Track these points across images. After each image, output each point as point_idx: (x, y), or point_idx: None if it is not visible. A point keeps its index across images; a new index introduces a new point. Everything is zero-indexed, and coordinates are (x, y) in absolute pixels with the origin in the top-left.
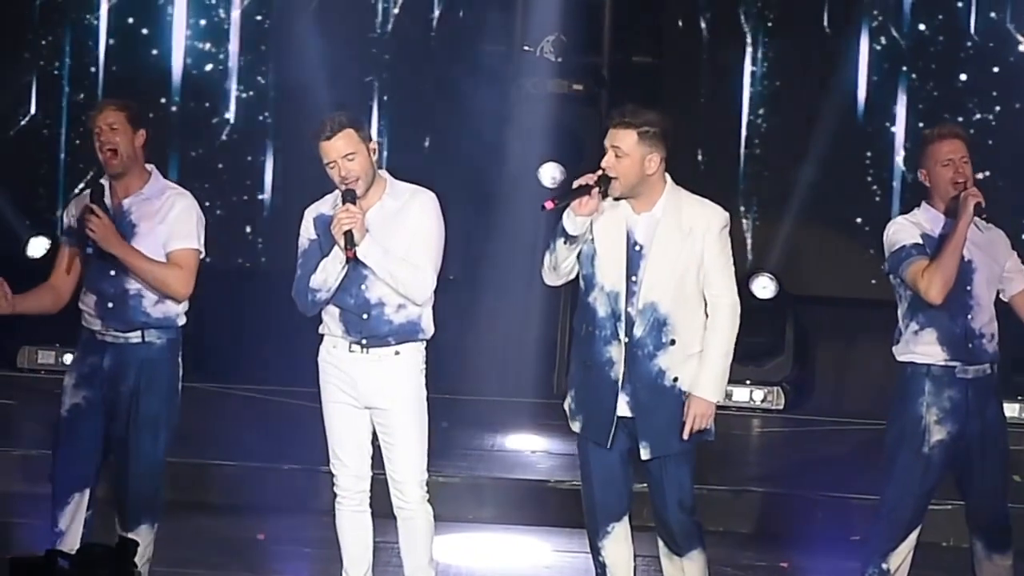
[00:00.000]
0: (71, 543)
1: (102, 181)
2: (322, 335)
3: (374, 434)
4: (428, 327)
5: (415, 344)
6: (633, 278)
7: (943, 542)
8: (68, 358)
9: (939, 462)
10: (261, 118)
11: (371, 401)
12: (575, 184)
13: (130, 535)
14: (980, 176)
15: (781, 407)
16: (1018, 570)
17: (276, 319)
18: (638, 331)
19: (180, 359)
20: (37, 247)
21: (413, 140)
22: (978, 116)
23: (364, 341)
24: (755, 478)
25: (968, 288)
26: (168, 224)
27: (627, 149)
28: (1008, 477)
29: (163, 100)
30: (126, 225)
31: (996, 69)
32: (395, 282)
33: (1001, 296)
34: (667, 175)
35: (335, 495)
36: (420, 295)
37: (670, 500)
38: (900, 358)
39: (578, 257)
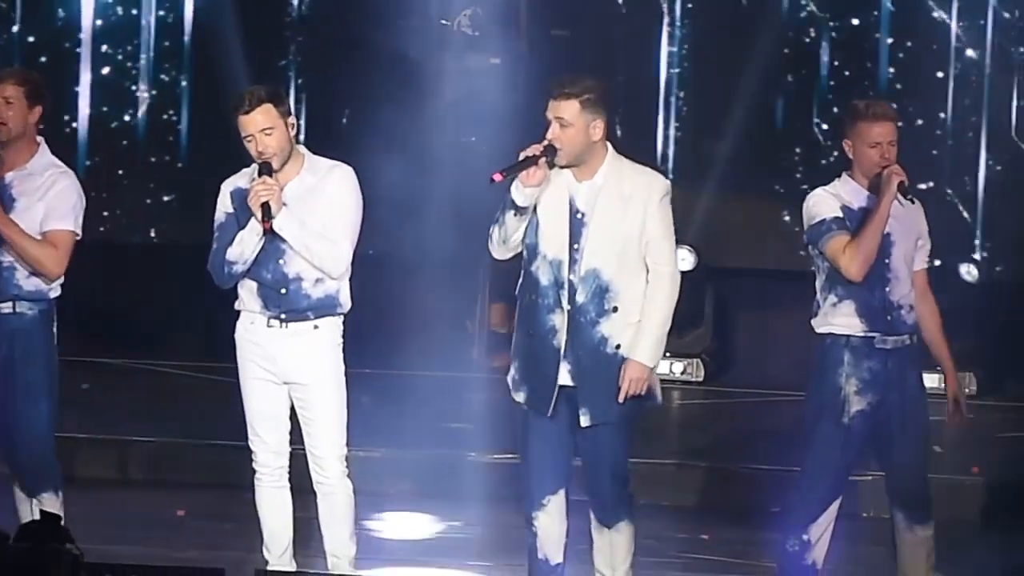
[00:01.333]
0: None
1: None
2: (239, 311)
3: (292, 410)
4: (346, 301)
5: (333, 319)
6: (575, 246)
7: (863, 513)
8: None
9: (859, 432)
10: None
11: (290, 376)
12: (521, 155)
13: (35, 502)
14: (923, 187)
15: (701, 379)
16: (938, 540)
17: (194, 294)
18: (580, 298)
19: (55, 330)
20: None
21: (333, 116)
22: (900, 87)
23: (283, 316)
24: (674, 451)
25: (886, 261)
26: (47, 202)
27: (571, 118)
28: (928, 449)
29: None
30: (6, 199)
31: (910, 43)
32: (311, 255)
33: None
34: (608, 143)
35: (254, 471)
36: (335, 269)
37: (604, 469)
38: (819, 330)
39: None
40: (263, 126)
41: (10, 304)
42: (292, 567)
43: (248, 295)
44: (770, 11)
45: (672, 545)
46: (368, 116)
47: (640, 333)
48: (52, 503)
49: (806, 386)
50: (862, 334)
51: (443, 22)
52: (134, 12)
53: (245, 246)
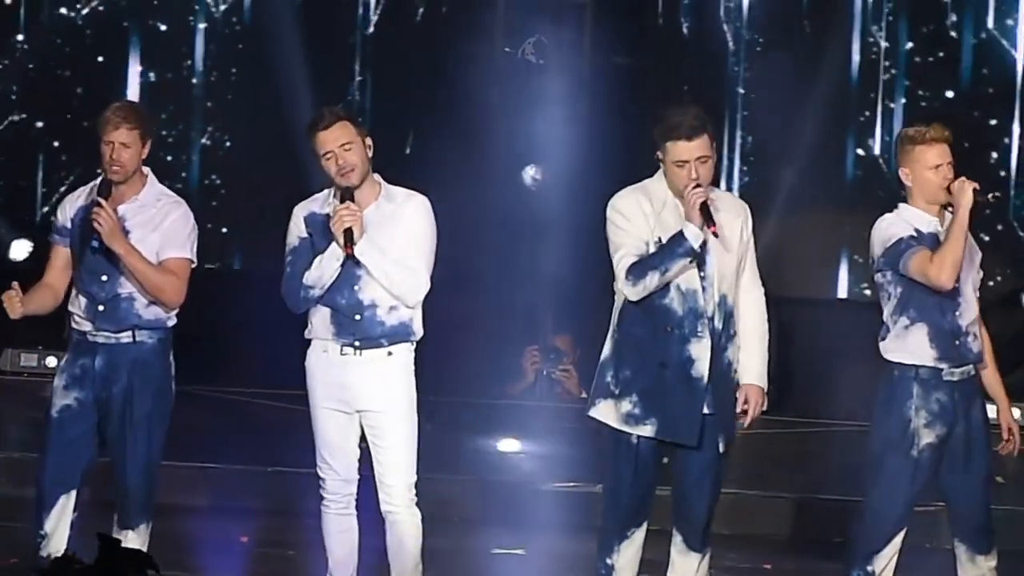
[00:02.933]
0: (56, 546)
1: (109, 178)
2: (309, 339)
3: (362, 437)
4: (418, 329)
5: (406, 345)
6: (702, 273)
7: (925, 544)
8: (51, 360)
9: (927, 465)
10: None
11: (362, 404)
12: (697, 204)
13: (129, 534)
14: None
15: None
16: (1001, 571)
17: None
18: (717, 324)
19: (172, 359)
20: (19, 250)
21: (396, 143)
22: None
23: (357, 343)
24: (736, 480)
25: (956, 285)
26: (162, 232)
27: (709, 152)
28: (992, 479)
29: None
30: (121, 231)
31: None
32: (390, 283)
33: None
34: None
35: (322, 498)
36: (413, 297)
37: (709, 492)
38: (888, 356)
39: None
40: (342, 141)
41: (130, 334)
42: None
43: (321, 322)
44: (834, 38)
45: (735, 575)
46: (431, 142)
47: (752, 356)
48: (142, 536)
49: (872, 416)
50: (932, 364)
51: (507, 50)
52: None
53: (324, 270)
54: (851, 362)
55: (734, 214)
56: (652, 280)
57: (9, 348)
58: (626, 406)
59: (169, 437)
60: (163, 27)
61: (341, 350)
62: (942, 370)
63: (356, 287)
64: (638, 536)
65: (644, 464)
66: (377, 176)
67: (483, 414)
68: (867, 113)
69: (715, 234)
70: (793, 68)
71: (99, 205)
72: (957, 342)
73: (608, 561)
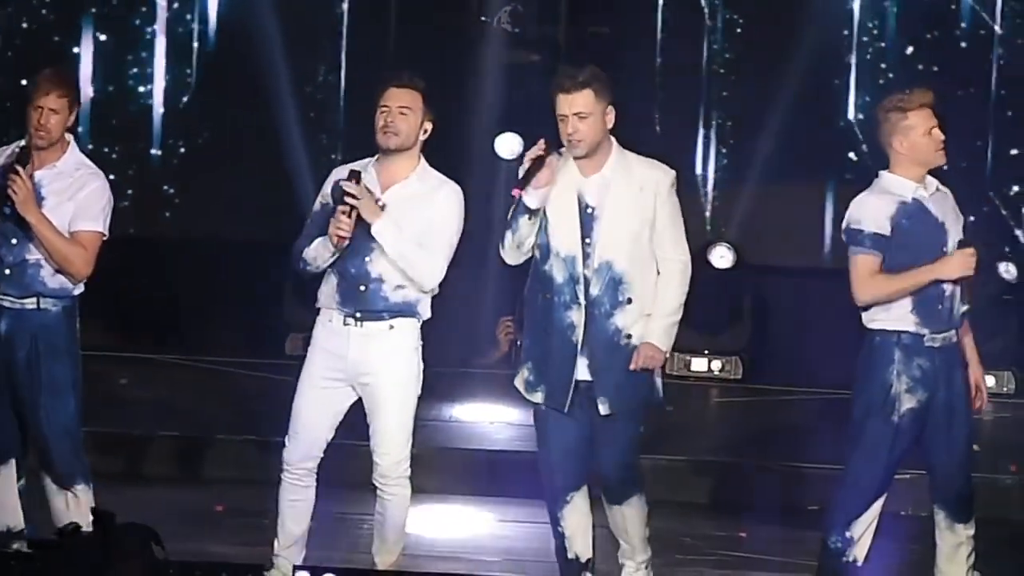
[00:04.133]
0: (11, 519)
1: (27, 144)
2: (318, 308)
3: (341, 419)
4: (424, 311)
5: (411, 320)
6: (587, 240)
7: (902, 511)
8: None
9: (907, 430)
10: None
11: (360, 376)
12: (526, 160)
13: (68, 495)
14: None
15: (739, 377)
16: (978, 538)
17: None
18: (595, 291)
19: (78, 325)
20: None
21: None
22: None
23: (358, 314)
24: (713, 448)
25: (944, 250)
26: (76, 203)
27: (588, 108)
28: (971, 447)
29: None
30: (36, 197)
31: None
32: (405, 263)
33: None
34: (612, 137)
35: (282, 465)
36: (429, 281)
37: (616, 456)
38: (870, 324)
39: None
40: (404, 104)
41: (34, 300)
42: (298, 560)
43: (328, 290)
44: (812, 3)
45: (709, 542)
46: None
47: (652, 319)
48: (85, 495)
49: (853, 383)
50: (914, 330)
51: (482, 19)
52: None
53: (319, 254)
54: (833, 331)
55: (638, 183)
56: (506, 240)
57: None
58: (524, 373)
59: (148, 407)
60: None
61: (344, 321)
62: (923, 336)
63: (367, 258)
64: (578, 500)
65: (558, 430)
66: (419, 157)
67: (456, 382)
68: (842, 80)
69: (513, 195)
70: (772, 38)
71: (16, 172)
72: (940, 306)
73: (559, 529)
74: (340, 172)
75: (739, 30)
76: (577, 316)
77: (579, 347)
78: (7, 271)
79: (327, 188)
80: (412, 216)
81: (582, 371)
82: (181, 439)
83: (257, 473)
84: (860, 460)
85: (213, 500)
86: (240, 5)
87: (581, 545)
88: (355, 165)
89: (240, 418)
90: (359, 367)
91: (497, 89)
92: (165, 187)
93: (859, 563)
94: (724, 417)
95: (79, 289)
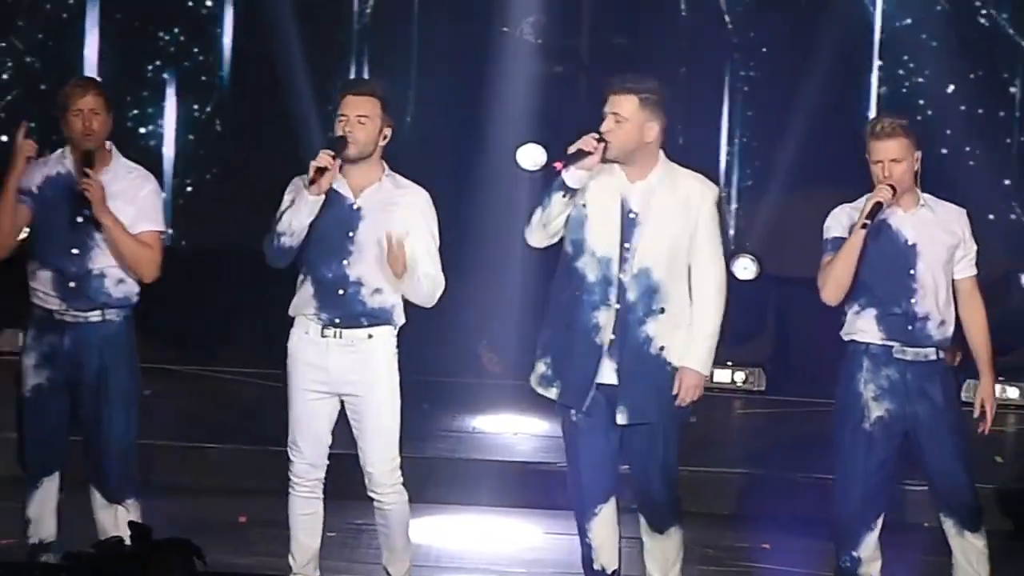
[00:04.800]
0: (45, 531)
1: (85, 147)
2: (293, 318)
3: (336, 422)
4: (399, 317)
5: (388, 328)
6: (626, 245)
7: (924, 523)
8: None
9: (881, 439)
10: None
11: (344, 388)
12: (576, 147)
13: (119, 509)
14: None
15: (762, 388)
16: (996, 551)
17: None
18: (630, 296)
19: (134, 336)
20: None
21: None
22: (961, 95)
23: (337, 320)
24: (736, 459)
25: (911, 272)
26: (136, 205)
27: (627, 115)
28: (970, 460)
29: None
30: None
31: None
32: (419, 296)
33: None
34: (661, 150)
35: (289, 479)
36: (432, 300)
37: (652, 472)
38: (844, 337)
39: (566, 222)
40: (361, 112)
41: (99, 312)
42: (315, 575)
43: (304, 297)
44: (834, 15)
45: (733, 554)
46: (429, 122)
47: (693, 340)
48: (134, 509)
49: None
50: (880, 342)
51: (504, 29)
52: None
53: (294, 215)
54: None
55: (683, 194)
56: (535, 217)
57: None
58: (541, 367)
59: (168, 417)
60: None
61: (322, 331)
62: (892, 347)
63: (345, 262)
64: (607, 512)
65: (588, 440)
66: (383, 163)
67: (479, 393)
68: (864, 86)
69: (557, 169)
70: (792, 49)
71: (86, 175)
72: (910, 327)
73: (586, 540)
74: (303, 177)
75: (763, 42)
76: (605, 318)
77: (605, 349)
78: (71, 284)
79: (296, 186)
80: (388, 220)
81: (608, 374)
82: (200, 449)
83: (277, 484)
84: (841, 470)
85: (235, 511)
86: (261, 11)
87: (608, 557)
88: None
89: (255, 426)
90: (342, 378)
91: (519, 100)
92: (180, 200)
93: None
94: (747, 428)
95: (136, 299)
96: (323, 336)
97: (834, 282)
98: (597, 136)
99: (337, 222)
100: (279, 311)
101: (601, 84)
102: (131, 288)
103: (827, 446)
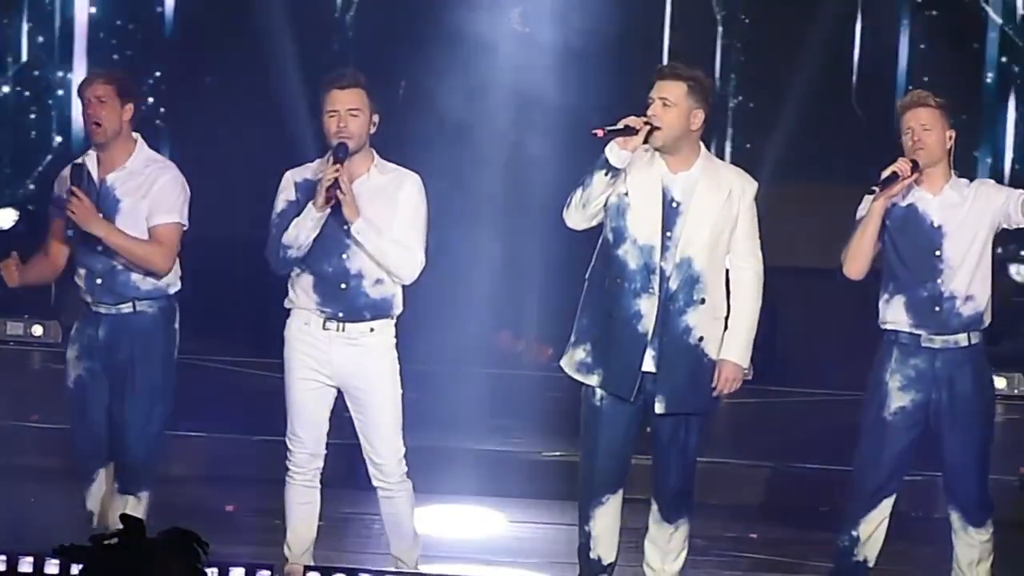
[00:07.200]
0: (107, 522)
1: (82, 160)
2: (289, 309)
3: (332, 410)
4: (399, 305)
5: (388, 321)
6: (668, 234)
7: (911, 512)
8: (37, 329)
9: (901, 427)
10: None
11: (346, 381)
12: (623, 123)
13: (130, 500)
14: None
15: (750, 378)
16: (1006, 541)
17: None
18: (672, 285)
19: (176, 327)
20: (4, 219)
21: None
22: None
23: (341, 314)
24: (724, 450)
25: (937, 253)
26: (151, 199)
27: (675, 99)
28: (987, 452)
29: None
30: (111, 201)
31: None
32: (386, 261)
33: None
34: (701, 143)
35: (287, 468)
36: (410, 275)
37: (676, 461)
38: (881, 326)
39: (605, 209)
40: (352, 106)
41: (130, 305)
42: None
43: (303, 292)
44: (826, 5)
45: (721, 544)
46: (417, 116)
47: (733, 332)
48: (144, 503)
49: (857, 385)
50: (908, 330)
51: (492, 19)
52: None
53: (300, 230)
54: (849, 333)
55: (726, 186)
56: (575, 196)
57: None
58: (579, 354)
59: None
60: None
61: (324, 324)
62: (920, 336)
63: (344, 256)
64: (613, 502)
65: (610, 426)
66: (373, 151)
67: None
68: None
69: (596, 134)
70: (783, 38)
71: (72, 194)
72: (938, 308)
73: (586, 528)
74: (295, 174)
75: (752, 31)
76: (647, 306)
77: (648, 337)
78: (98, 280)
79: (289, 187)
80: (380, 212)
81: (648, 362)
82: (194, 438)
83: (268, 472)
84: (860, 454)
85: (224, 499)
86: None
87: (605, 547)
88: (301, 169)
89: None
90: (346, 371)
91: (507, 89)
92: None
93: (870, 564)
94: (735, 419)
95: (176, 287)
96: (324, 329)
97: (852, 254)
98: (644, 119)
99: (333, 216)
100: (269, 301)
101: (590, 75)
102: (163, 280)
103: (812, 437)
